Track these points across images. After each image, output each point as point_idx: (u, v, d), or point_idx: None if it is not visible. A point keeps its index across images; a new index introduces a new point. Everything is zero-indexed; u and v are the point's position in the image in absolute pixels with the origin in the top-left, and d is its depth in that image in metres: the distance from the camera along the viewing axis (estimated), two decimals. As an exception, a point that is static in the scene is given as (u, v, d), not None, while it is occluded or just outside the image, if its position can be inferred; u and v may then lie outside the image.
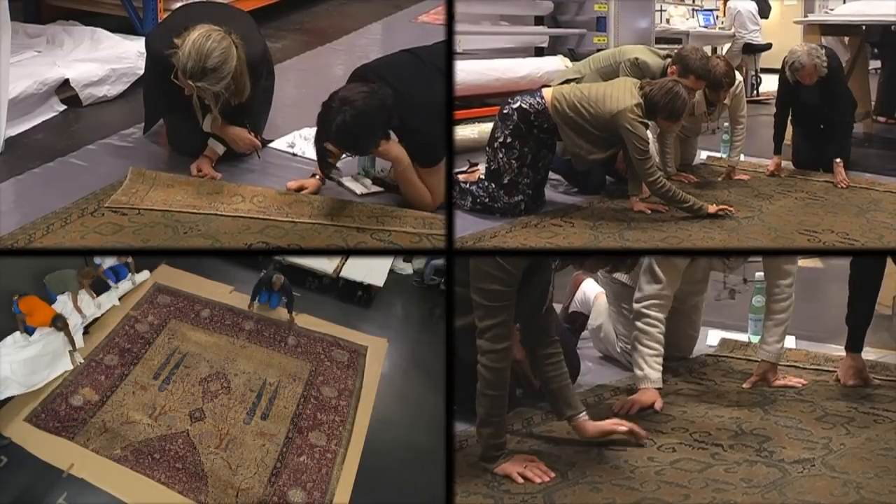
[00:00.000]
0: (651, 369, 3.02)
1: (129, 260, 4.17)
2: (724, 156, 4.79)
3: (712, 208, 3.74)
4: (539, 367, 2.72)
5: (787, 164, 4.70)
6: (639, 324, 3.10)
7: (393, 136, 3.23)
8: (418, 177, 3.31)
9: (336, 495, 3.00)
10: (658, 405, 2.96)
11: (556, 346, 2.71)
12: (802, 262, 3.48)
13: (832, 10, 6.49)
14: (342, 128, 3.06)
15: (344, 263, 4.56)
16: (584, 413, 2.68)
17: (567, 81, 4.26)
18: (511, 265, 2.47)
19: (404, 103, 3.19)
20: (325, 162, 3.25)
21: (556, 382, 2.70)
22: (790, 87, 4.48)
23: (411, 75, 3.31)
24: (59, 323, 3.42)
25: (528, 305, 2.64)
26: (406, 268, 4.96)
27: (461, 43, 5.10)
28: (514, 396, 2.95)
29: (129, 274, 4.19)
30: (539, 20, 5.96)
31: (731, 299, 3.46)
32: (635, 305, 3.14)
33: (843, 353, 3.30)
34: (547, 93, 3.77)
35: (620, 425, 2.69)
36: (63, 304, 3.69)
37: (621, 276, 3.36)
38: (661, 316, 3.10)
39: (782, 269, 3.23)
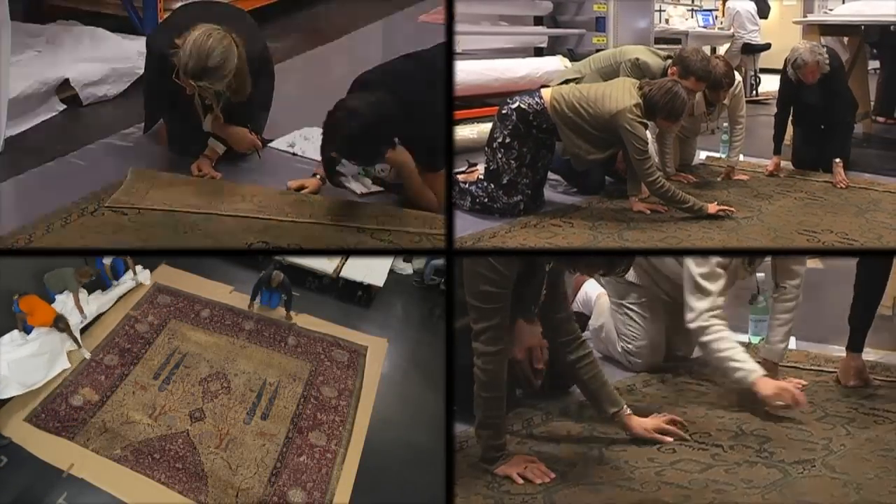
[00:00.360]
0: (749, 363, 2.93)
1: (129, 258, 4.17)
2: (724, 156, 4.80)
3: (712, 208, 3.74)
4: (572, 371, 2.73)
5: (786, 164, 4.70)
6: (705, 338, 3.01)
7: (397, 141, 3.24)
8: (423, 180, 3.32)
9: (336, 495, 3.00)
10: (794, 384, 2.97)
11: (585, 347, 2.74)
12: (802, 263, 3.50)
13: (831, 10, 6.51)
14: (350, 139, 3.08)
15: (344, 263, 4.55)
16: (627, 407, 2.71)
17: (567, 81, 4.27)
18: (504, 267, 2.46)
19: (409, 110, 3.19)
20: (333, 170, 3.26)
21: (593, 383, 2.72)
22: (792, 85, 4.48)
23: (414, 81, 3.31)
24: (60, 324, 3.42)
25: (526, 307, 2.65)
26: (406, 268, 4.96)
27: (461, 43, 5.10)
28: (514, 397, 2.95)
29: (130, 272, 4.19)
30: (538, 20, 5.97)
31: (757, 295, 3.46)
32: (691, 325, 3.04)
33: (843, 354, 3.31)
34: (546, 93, 3.77)
35: (667, 422, 2.72)
36: (62, 303, 3.69)
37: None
38: (721, 322, 3.01)
39: (791, 269, 3.21)
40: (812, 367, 3.40)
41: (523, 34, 5.91)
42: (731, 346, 2.97)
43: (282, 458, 3.14)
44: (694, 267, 3.08)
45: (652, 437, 2.69)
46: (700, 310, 3.03)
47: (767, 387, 2.88)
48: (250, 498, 2.90)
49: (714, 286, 3.04)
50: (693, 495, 2.37)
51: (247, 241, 3.06)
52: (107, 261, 4.06)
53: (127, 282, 4.16)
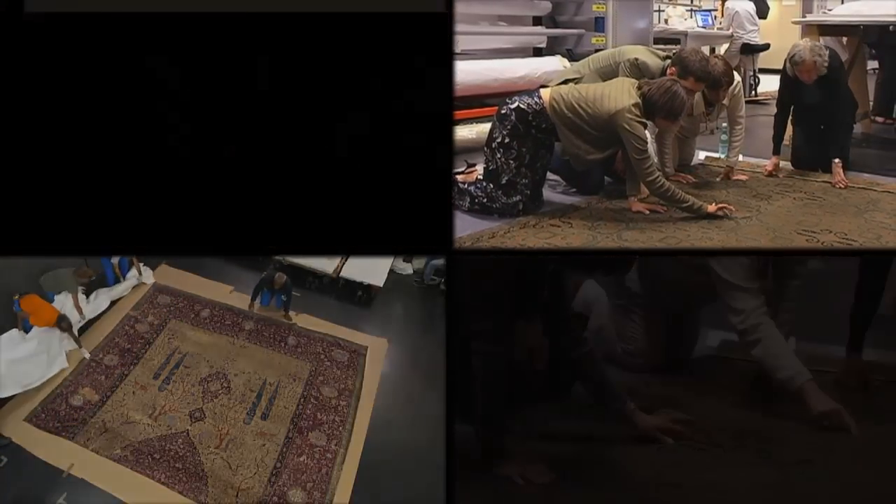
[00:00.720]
0: (797, 365, 2.89)
1: (133, 257, 4.18)
2: (723, 156, 4.80)
3: (711, 208, 3.74)
4: (575, 369, 2.76)
5: (785, 164, 4.70)
6: (754, 336, 2.97)
7: None
8: None
9: (336, 495, 3.00)
10: (831, 404, 2.81)
11: (587, 345, 2.77)
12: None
13: (830, 10, 6.50)
14: None
15: (344, 263, 4.56)
16: (631, 402, 2.71)
17: (566, 81, 4.26)
18: (503, 267, 2.47)
19: None
20: None
21: (596, 379, 2.74)
22: (792, 85, 4.46)
23: None
24: (63, 324, 3.43)
25: (527, 308, 2.64)
26: (406, 268, 4.97)
27: (460, 43, 5.10)
28: (514, 397, 2.95)
29: (134, 269, 4.20)
30: (537, 20, 5.97)
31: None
32: (740, 327, 3.01)
33: (844, 354, 3.31)
34: (545, 93, 3.77)
35: (672, 420, 2.73)
36: (61, 303, 3.69)
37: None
38: (770, 321, 2.98)
39: (792, 269, 3.21)
40: (812, 368, 3.39)
41: (522, 34, 5.91)
42: (780, 346, 2.95)
43: (282, 458, 3.14)
44: (729, 276, 3.05)
45: (655, 435, 2.69)
46: (748, 309, 3.00)
47: (822, 402, 2.82)
48: (250, 498, 2.90)
49: (755, 283, 3.03)
50: (693, 495, 2.37)
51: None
52: (114, 260, 4.08)
53: (132, 279, 4.18)
